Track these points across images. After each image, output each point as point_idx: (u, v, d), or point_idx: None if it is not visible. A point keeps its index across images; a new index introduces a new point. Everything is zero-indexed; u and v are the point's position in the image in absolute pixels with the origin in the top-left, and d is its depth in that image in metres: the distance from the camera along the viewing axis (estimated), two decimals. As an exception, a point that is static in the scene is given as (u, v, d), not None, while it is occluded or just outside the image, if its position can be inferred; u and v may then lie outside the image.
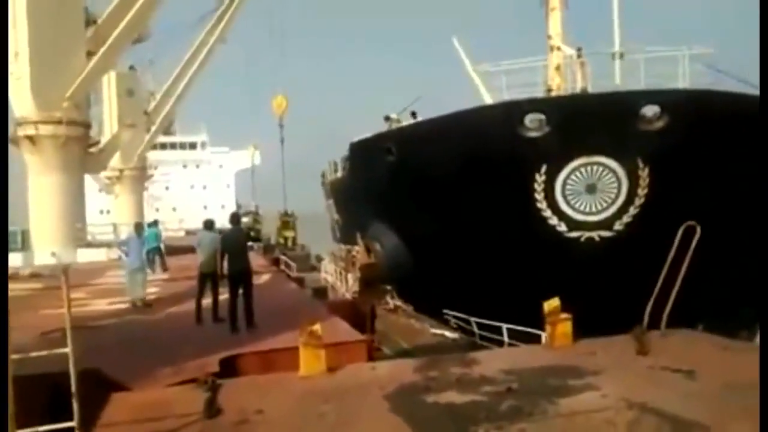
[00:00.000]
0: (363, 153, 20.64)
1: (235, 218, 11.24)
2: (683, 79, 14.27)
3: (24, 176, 24.12)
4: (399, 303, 20.37)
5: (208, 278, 10.71)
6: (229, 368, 7.69)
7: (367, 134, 20.45)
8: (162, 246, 20.02)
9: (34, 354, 4.53)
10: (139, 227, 13.47)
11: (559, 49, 18.37)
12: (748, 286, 13.29)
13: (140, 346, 9.08)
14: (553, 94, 17.26)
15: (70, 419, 4.55)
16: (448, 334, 17.54)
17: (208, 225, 11.48)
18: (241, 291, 10.02)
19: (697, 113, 13.07)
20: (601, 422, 5.16)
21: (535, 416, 5.40)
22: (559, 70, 18.09)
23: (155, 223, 22.14)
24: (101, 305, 13.06)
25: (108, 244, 25.97)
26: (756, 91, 12.75)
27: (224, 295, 10.47)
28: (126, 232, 22.14)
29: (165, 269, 18.91)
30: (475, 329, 16.21)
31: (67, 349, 4.58)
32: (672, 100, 13.53)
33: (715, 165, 13.45)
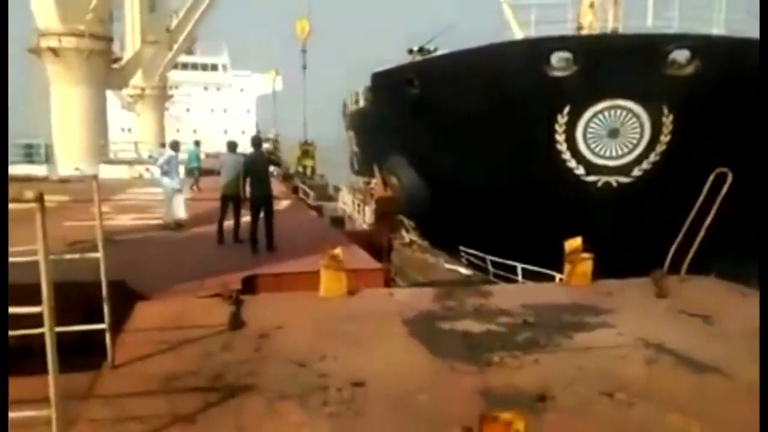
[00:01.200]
0: (385, 84, 20.32)
1: (256, 141, 11.18)
2: (718, 24, 13.75)
3: (47, 88, 24.16)
4: (414, 237, 20.55)
5: (230, 200, 10.81)
6: (251, 287, 7.87)
7: (391, 65, 20.08)
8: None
9: (68, 256, 4.64)
10: (176, 146, 13.40)
11: None
12: (753, 235, 13.24)
13: (163, 262, 9.30)
14: (584, 32, 16.74)
15: (98, 324, 4.70)
16: (462, 270, 17.72)
17: (232, 147, 11.47)
18: (262, 215, 10.14)
19: (730, 62, 12.65)
20: (615, 358, 5.24)
21: (549, 348, 5.49)
22: (593, 8, 17.42)
23: (197, 143, 22.28)
24: (124, 220, 13.30)
25: (130, 162, 26.22)
26: None
27: (246, 218, 10.64)
28: (155, 150, 22.24)
29: (199, 189, 19.24)
30: (490, 267, 16.38)
31: (98, 254, 4.68)
32: (703, 46, 13.07)
33: (741, 117, 13.06)
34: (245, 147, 12.26)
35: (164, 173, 12.53)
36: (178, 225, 12.27)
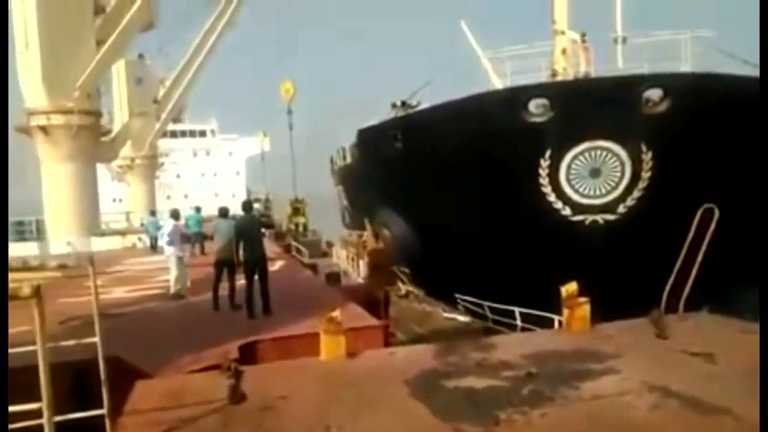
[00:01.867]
0: (370, 140, 20.82)
1: (247, 205, 11.32)
2: (686, 62, 14.33)
3: (38, 166, 24.33)
4: (411, 288, 20.48)
5: (224, 266, 10.81)
6: (249, 354, 7.78)
7: (375, 121, 20.56)
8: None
9: (64, 343, 4.60)
10: (177, 214, 13.51)
11: (563, 33, 18.37)
12: (751, 268, 13.37)
13: (160, 334, 9.20)
14: (559, 78, 17.30)
15: (94, 407, 4.62)
16: (460, 318, 17.63)
17: (224, 213, 11.56)
18: (256, 278, 10.12)
19: (700, 96, 13.08)
20: (623, 406, 5.19)
21: (556, 400, 5.43)
22: (565, 54, 18.08)
23: (198, 210, 22.44)
24: (119, 293, 13.21)
25: (122, 232, 26.20)
26: (757, 73, 12.82)
27: (240, 282, 10.60)
28: (146, 218, 22.31)
29: (203, 253, 19.29)
30: (488, 313, 16.32)
31: (96, 339, 4.65)
32: (675, 83, 13.56)
33: (718, 148, 13.42)
34: (237, 210, 12.36)
35: (168, 243, 12.59)
36: (178, 296, 12.19)
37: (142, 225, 22.07)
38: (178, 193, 50.70)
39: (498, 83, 16.85)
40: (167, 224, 13.06)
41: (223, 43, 38.08)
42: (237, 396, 5.70)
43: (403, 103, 20.24)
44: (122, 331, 9.04)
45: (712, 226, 7.66)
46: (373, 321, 9.19)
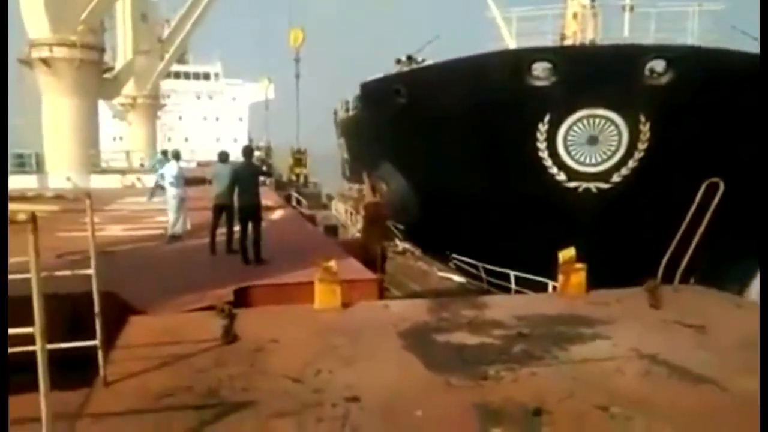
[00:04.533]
0: (374, 94, 20.66)
1: (248, 151, 11.21)
2: (692, 34, 14.17)
3: (39, 98, 24.06)
4: (407, 245, 20.56)
5: (222, 210, 10.78)
6: (244, 299, 7.81)
7: (379, 75, 20.33)
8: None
9: (59, 273, 4.59)
10: (178, 155, 13.41)
11: None
12: (740, 243, 13.52)
13: (155, 273, 9.23)
14: (567, 42, 17.12)
15: (89, 338, 4.65)
16: (455, 278, 17.76)
17: (223, 158, 11.47)
18: (250, 225, 10.08)
19: (704, 70, 12.97)
20: (611, 370, 5.23)
21: (545, 360, 5.48)
22: (576, 19, 17.82)
23: (164, 153, 22.25)
24: (116, 231, 13.20)
25: (122, 171, 26.12)
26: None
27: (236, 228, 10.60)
28: (147, 159, 22.17)
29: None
30: (483, 275, 16.43)
31: (91, 271, 4.64)
32: (679, 56, 13.39)
33: (717, 124, 13.33)
34: (238, 156, 12.25)
35: (172, 184, 12.52)
36: (174, 237, 12.20)
37: (142, 165, 21.92)
38: (179, 136, 50.36)
39: (512, 43, 16.63)
40: (171, 165, 12.99)
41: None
42: (230, 336, 5.75)
43: (409, 58, 19.97)
44: (118, 268, 9.07)
45: (716, 200, 7.62)
46: (369, 274, 9.20)
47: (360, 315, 6.92)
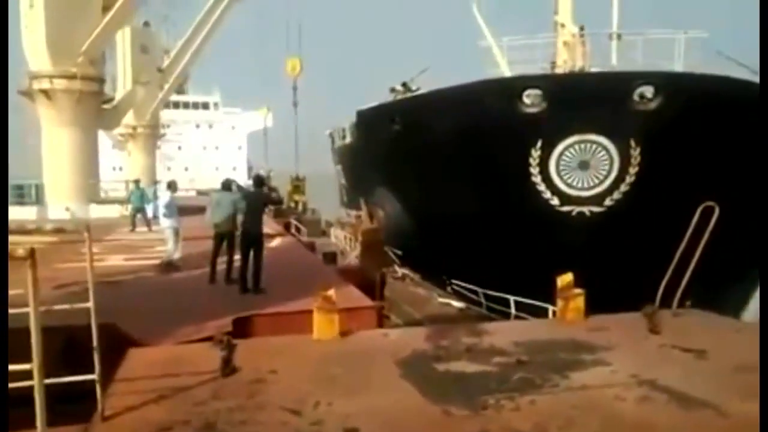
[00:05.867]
0: (369, 121, 20.96)
1: (258, 180, 11.41)
2: (679, 61, 14.51)
3: (39, 130, 24.24)
4: (406, 271, 20.53)
5: (224, 238, 10.80)
6: (243, 329, 7.81)
7: (374, 102, 20.71)
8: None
9: (58, 307, 4.60)
10: (174, 186, 13.54)
11: (563, 26, 18.46)
12: (736, 266, 13.59)
13: (155, 304, 9.23)
14: (558, 70, 17.50)
15: (86, 372, 4.64)
16: (455, 303, 17.70)
17: (227, 185, 11.56)
18: (252, 254, 10.11)
19: (691, 96, 13.24)
20: (610, 397, 5.22)
21: (545, 388, 5.46)
22: (567, 47, 18.25)
23: (137, 182, 22.65)
24: (115, 261, 13.23)
25: (121, 201, 26.19)
26: (752, 76, 13.09)
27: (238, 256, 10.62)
28: (135, 189, 22.28)
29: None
30: (483, 300, 16.40)
31: (89, 304, 4.65)
32: (666, 82, 13.69)
33: (705, 148, 13.57)
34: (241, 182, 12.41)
35: (165, 215, 12.66)
36: (170, 265, 12.22)
37: (132, 193, 22.04)
38: (178, 165, 50.61)
39: (507, 71, 16.92)
40: (164, 195, 13.13)
41: (231, 15, 37.68)
42: (229, 368, 5.73)
43: (404, 85, 20.28)
44: (117, 299, 9.07)
45: (712, 223, 7.68)
46: (368, 302, 9.22)
47: (359, 344, 6.91)
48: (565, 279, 7.78)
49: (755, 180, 13.05)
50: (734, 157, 13.31)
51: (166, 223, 12.64)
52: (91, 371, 4.63)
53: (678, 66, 14.36)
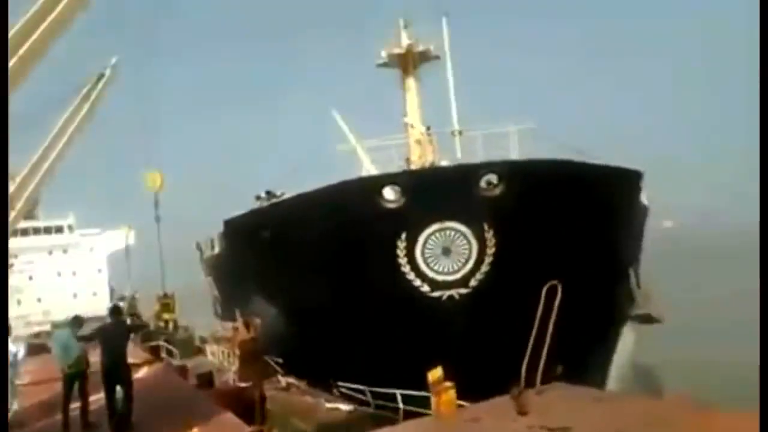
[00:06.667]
0: (237, 230, 20.97)
1: (115, 310, 10.76)
2: (514, 150, 16.63)
3: None
4: (291, 380, 19.81)
5: (75, 379, 9.85)
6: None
7: (241, 211, 20.79)
8: None
9: None
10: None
11: (412, 126, 20.43)
12: (594, 335, 15.07)
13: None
14: (413, 166, 19.21)
15: None
16: (342, 407, 17.22)
17: (79, 322, 10.69)
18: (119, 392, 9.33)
19: (526, 179, 14.92)
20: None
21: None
22: (420, 145, 19.92)
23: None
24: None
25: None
26: (576, 156, 15.57)
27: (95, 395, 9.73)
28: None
29: None
30: (370, 399, 16.14)
31: None
32: (504, 169, 15.33)
33: (550, 226, 15.13)
34: (96, 310, 11.62)
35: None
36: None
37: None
38: (30, 297, 46.15)
39: (373, 170, 17.92)
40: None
41: (83, 135, 36.38)
42: None
43: (268, 193, 20.59)
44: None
45: (557, 301, 8.30)
46: (244, 429, 8.73)
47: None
48: (435, 374, 7.93)
49: (594, 253, 14.54)
50: (573, 231, 14.76)
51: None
52: None
53: (513, 154, 16.05)
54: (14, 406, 11.17)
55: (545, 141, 16.26)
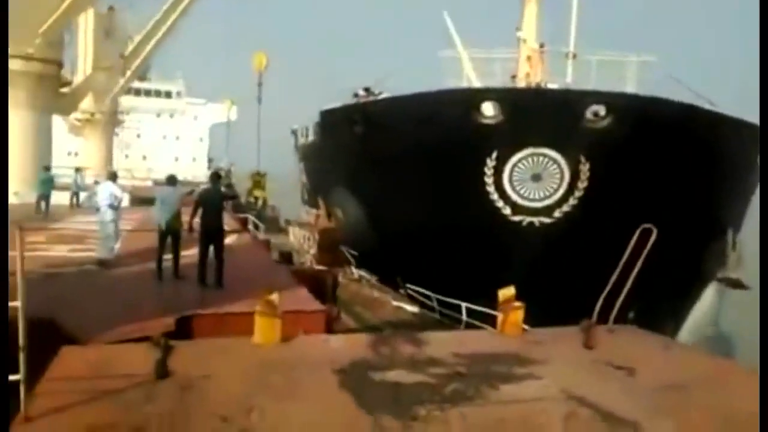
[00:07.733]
0: (332, 121, 21.11)
1: (215, 176, 11.31)
2: (631, 83, 15.45)
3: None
4: (363, 273, 20.58)
5: (168, 235, 10.61)
6: (186, 328, 7.74)
7: (338, 104, 20.83)
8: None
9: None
10: (114, 177, 13.01)
11: (525, 41, 19.23)
12: (676, 287, 14.36)
13: (97, 299, 9.06)
14: (518, 84, 18.26)
15: (16, 370, 4.55)
16: (408, 308, 17.83)
17: (172, 180, 11.33)
18: (212, 249, 10.06)
19: (640, 118, 13.84)
20: (537, 412, 5.38)
21: (475, 401, 5.59)
22: (530, 60, 18.82)
23: (48, 168, 22.20)
24: (61, 251, 12.91)
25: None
26: (698, 101, 14.15)
27: (186, 252, 10.51)
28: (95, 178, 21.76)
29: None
30: (436, 305, 16.58)
31: (18, 303, 4.55)
32: (617, 103, 14.31)
33: (656, 171, 14.22)
34: (195, 174, 12.30)
35: (110, 206, 12.10)
36: (102, 263, 11.61)
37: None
38: (136, 153, 49.53)
39: (475, 81, 17.32)
40: (106, 186, 12.42)
41: (199, 5, 37.15)
42: (161, 371, 5.67)
43: (367, 90, 20.45)
44: (58, 293, 8.88)
45: (649, 245, 7.98)
46: (315, 305, 9.22)
47: (298, 350, 6.92)
48: (507, 293, 7.95)
49: (694, 203, 13.65)
50: (675, 179, 13.86)
51: (109, 215, 12.02)
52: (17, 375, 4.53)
53: (629, 87, 14.96)
54: (116, 247, 12.31)
55: (667, 78, 14.89)
